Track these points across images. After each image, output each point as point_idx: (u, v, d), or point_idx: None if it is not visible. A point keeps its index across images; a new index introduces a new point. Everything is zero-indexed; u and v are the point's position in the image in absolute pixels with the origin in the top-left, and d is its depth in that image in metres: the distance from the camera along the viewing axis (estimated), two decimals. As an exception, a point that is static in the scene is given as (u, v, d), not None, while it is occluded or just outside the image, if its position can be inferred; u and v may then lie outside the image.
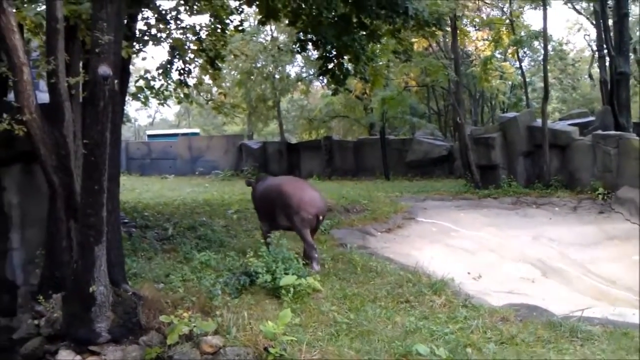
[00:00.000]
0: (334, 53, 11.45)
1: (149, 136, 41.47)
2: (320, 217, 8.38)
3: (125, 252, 7.79)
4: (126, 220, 10.91)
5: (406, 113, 27.73)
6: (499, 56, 27.44)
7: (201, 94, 11.65)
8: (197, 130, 45.04)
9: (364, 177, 25.86)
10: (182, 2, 9.91)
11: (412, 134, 29.37)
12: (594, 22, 22.86)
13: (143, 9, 9.10)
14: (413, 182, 23.38)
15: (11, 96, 7.26)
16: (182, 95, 10.67)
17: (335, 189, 18.95)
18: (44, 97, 6.98)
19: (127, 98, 9.01)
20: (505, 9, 25.68)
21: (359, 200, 14.45)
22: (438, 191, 18.06)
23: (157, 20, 9.36)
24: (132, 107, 57.63)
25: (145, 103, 10.37)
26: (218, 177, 27.72)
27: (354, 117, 33.41)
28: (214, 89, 12.18)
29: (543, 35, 19.32)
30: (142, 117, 59.35)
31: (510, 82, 29.17)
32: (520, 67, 26.42)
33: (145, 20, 9.40)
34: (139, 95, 10.00)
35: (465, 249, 10.95)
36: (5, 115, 5.98)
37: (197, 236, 10.32)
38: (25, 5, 7.33)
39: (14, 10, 6.22)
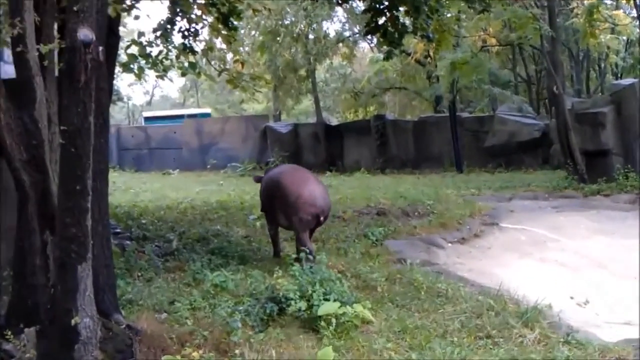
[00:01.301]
0: (386, 3, 11.36)
1: (146, 119, 42.31)
2: (322, 218, 8.99)
3: (117, 272, 7.89)
4: (118, 230, 11.07)
5: (484, 82, 27.53)
6: (608, 3, 26.93)
7: (212, 62, 11.70)
8: (207, 110, 45.72)
9: (429, 168, 25.84)
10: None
11: (493, 110, 29.14)
12: None
13: (135, -47, 9.19)
14: (495, 174, 23.27)
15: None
16: (187, 65, 10.73)
17: (390, 185, 18.91)
18: (9, 70, 7.06)
19: (116, 70, 9.10)
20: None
21: (422, 201, 14.38)
22: (529, 187, 17.91)
23: (153, -33, 9.44)
24: (123, 82, 58.66)
25: (139, 76, 10.42)
26: (236, 171, 28.02)
27: (414, 88, 33.30)
28: (229, 56, 12.21)
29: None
30: (138, 94, 60.43)
31: (625, 38, 28.63)
32: (639, 17, 25.87)
33: (138, -32, 9.49)
34: (131, 65, 10.08)
35: (566, 265, 10.80)
36: (-42, 97, 6.04)
37: (209, 250, 10.40)
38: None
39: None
